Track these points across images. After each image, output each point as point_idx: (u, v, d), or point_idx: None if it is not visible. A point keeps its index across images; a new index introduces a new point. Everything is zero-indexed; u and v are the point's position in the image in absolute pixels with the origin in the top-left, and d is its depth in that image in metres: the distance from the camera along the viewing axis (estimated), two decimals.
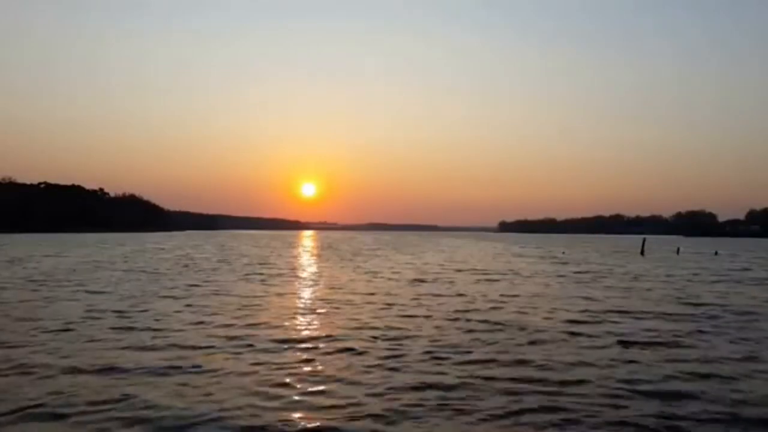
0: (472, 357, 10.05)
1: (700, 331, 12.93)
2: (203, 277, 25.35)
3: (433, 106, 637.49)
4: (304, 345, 10.97)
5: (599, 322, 14.01)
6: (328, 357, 9.98)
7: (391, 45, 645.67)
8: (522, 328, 12.85)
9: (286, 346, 10.83)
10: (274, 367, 9.21)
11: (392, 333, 12.19)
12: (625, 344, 11.39)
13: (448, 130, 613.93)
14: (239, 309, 15.40)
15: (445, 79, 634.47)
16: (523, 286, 22.77)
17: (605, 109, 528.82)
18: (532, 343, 11.32)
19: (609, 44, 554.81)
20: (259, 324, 13.12)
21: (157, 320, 13.50)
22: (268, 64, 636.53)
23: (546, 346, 11.09)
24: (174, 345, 10.71)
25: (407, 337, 11.70)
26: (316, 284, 23.14)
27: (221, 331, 12.13)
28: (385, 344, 11.06)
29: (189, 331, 12.11)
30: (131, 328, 12.44)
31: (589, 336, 12.16)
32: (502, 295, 19.15)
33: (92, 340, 11.11)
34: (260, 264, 34.79)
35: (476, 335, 12.02)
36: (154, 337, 11.41)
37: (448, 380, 8.50)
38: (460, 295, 19.19)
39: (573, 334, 12.36)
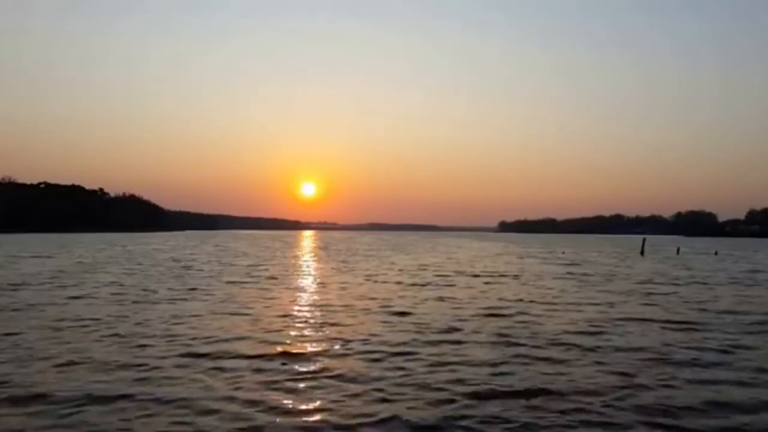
0: (474, 379, 8.78)
1: (734, 345, 11.52)
2: (194, 281, 24.07)
3: (433, 106, 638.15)
4: (287, 363, 9.75)
5: (614, 333, 12.67)
6: (309, 379, 8.76)
7: (391, 45, 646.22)
8: (529, 341, 11.70)
9: (267, 364, 9.67)
10: (243, 390, 8.15)
11: (389, 347, 10.99)
12: (651, 362, 9.98)
13: (449, 129, 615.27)
14: (223, 317, 14.39)
15: (446, 79, 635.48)
16: (527, 289, 22.05)
17: (605, 109, 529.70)
18: (542, 359, 10.08)
19: (610, 45, 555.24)
20: (243, 336, 11.94)
21: (127, 330, 12.41)
22: (268, 64, 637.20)
23: (556, 364, 9.78)
24: (141, 364, 9.49)
25: (407, 353, 10.48)
26: (312, 288, 22.15)
27: (193, 343, 11.19)
28: (381, 362, 9.86)
29: (160, 345, 11.01)
30: (96, 340, 11.42)
31: (605, 350, 10.89)
32: (505, 299, 18.54)
33: (31, 355, 10.06)
34: (256, 267, 34.02)
35: (481, 349, 10.91)
36: (119, 350, 10.53)
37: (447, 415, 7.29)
38: (461, 300, 18.47)
39: (586, 348, 11.02)
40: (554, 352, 10.67)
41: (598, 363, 9.93)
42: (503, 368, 9.47)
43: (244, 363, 9.71)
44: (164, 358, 10.00)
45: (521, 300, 18.49)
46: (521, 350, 10.89)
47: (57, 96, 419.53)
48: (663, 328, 13.58)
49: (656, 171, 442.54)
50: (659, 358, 10.28)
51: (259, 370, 9.26)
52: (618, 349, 10.97)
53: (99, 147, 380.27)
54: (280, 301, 17.93)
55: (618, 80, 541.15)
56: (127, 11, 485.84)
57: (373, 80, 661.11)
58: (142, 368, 9.26)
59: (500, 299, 18.60)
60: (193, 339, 11.65)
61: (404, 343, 11.39)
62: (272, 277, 26.36)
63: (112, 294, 19.08)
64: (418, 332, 12.61)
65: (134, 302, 17.10)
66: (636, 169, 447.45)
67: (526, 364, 9.81)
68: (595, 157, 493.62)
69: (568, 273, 31.02)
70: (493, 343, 11.57)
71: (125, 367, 9.33)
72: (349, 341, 11.56)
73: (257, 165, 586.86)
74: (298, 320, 14.23)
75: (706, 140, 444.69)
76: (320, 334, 12.43)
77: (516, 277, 28.04)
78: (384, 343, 11.44)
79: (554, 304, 17.70)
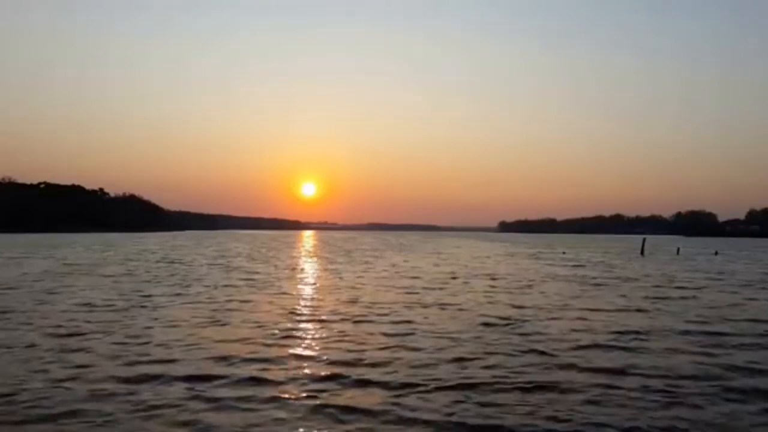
0: (497, 413, 7.39)
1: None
2: (182, 284, 22.90)
3: (433, 106, 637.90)
4: (260, 387, 8.39)
5: (644, 349, 11.05)
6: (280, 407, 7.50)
7: (391, 44, 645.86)
8: (547, 361, 10.09)
9: (226, 386, 8.44)
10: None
11: (388, 370, 9.36)
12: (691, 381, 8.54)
13: (449, 129, 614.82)
14: (198, 327, 13.23)
15: (446, 79, 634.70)
16: (535, 294, 21.15)
17: (606, 109, 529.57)
18: (556, 404, 7.70)
19: (610, 44, 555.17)
20: (211, 351, 10.64)
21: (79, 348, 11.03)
22: (268, 64, 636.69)
23: (580, 404, 7.76)
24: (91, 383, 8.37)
25: (412, 374, 9.03)
26: (308, 294, 20.66)
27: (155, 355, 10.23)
28: (377, 389, 8.32)
29: (107, 358, 10.06)
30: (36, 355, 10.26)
31: (639, 376, 9.06)
32: (518, 305, 17.38)
33: None
34: (251, 269, 33.07)
35: (504, 375, 9.09)
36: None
37: None
38: (472, 307, 17.13)
39: (612, 371, 9.38)
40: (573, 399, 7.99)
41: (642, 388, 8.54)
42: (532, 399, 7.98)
43: (197, 385, 8.43)
44: (103, 372, 9.10)
45: (536, 306, 17.39)
46: (546, 359, 9.98)
47: (57, 96, 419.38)
48: (696, 341, 12.14)
49: (656, 171, 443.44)
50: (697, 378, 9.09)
51: (214, 395, 8.02)
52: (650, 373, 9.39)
53: (99, 147, 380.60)
54: (268, 308, 16.61)
55: (618, 80, 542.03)
56: (127, 11, 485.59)
57: (373, 80, 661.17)
58: (67, 384, 8.45)
59: (513, 305, 17.46)
60: (153, 349, 10.72)
61: (412, 364, 9.86)
62: (266, 281, 25.19)
63: (81, 300, 17.92)
64: (428, 347, 11.12)
65: (100, 308, 16.25)
66: (636, 169, 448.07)
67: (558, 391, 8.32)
68: (595, 157, 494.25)
69: (575, 275, 30.78)
70: (517, 358, 10.26)
71: (58, 383, 8.52)
72: (339, 362, 10.03)
73: (257, 165, 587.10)
74: (285, 333, 12.72)
75: (706, 140, 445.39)
76: (307, 353, 10.79)
77: (524, 279, 27.76)
78: (384, 364, 9.82)
79: (568, 310, 16.55)
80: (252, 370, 9.40)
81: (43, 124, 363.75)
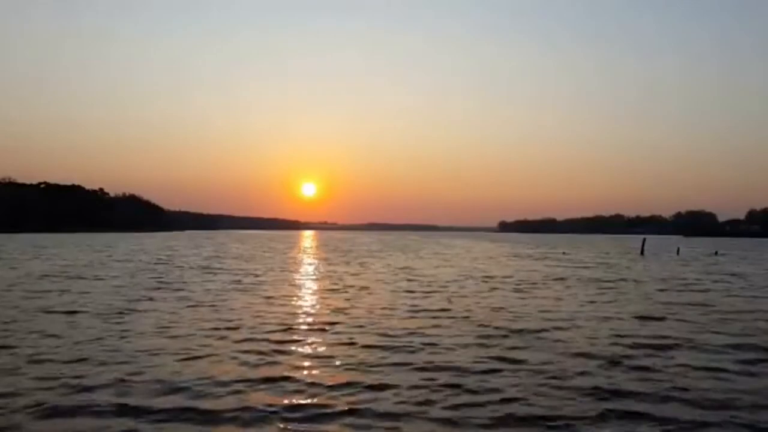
0: None
1: None
2: (165, 290, 21.42)
3: (433, 106, 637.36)
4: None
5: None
6: None
7: (391, 44, 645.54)
8: (555, 379, 8.98)
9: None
10: None
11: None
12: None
13: (449, 129, 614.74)
14: (162, 337, 12.16)
15: (446, 79, 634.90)
16: (539, 299, 20.71)
17: (606, 109, 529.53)
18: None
19: (610, 44, 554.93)
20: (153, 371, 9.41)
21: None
22: (268, 64, 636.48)
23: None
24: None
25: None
26: (298, 299, 19.37)
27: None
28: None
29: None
30: None
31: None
32: (515, 312, 16.42)
33: None
34: (244, 271, 32.48)
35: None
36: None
37: None
38: (482, 314, 16.05)
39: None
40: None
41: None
42: None
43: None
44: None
45: (540, 311, 16.62)
46: (554, 376, 9.23)
47: (57, 96, 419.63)
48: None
49: (656, 171, 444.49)
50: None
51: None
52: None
53: (99, 147, 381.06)
54: (253, 314, 15.58)
55: (618, 80, 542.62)
56: (127, 11, 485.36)
57: (373, 80, 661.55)
58: None
59: (516, 311, 16.70)
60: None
61: (404, 384, 8.68)
62: (257, 284, 24.28)
63: (45, 305, 16.89)
64: (426, 360, 10.12)
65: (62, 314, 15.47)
66: (636, 169, 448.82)
67: None
68: (595, 157, 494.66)
69: (579, 277, 30.54)
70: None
71: None
72: (319, 383, 8.80)
73: (257, 165, 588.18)
74: (260, 346, 11.49)
75: (705, 140, 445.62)
76: (284, 372, 9.38)
77: (526, 281, 27.52)
78: (374, 385, 8.64)
79: (574, 316, 15.72)
80: (204, 391, 8.36)
81: (43, 124, 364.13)
